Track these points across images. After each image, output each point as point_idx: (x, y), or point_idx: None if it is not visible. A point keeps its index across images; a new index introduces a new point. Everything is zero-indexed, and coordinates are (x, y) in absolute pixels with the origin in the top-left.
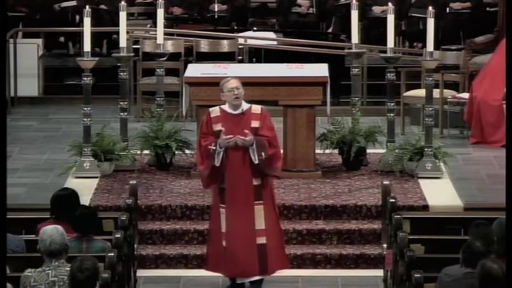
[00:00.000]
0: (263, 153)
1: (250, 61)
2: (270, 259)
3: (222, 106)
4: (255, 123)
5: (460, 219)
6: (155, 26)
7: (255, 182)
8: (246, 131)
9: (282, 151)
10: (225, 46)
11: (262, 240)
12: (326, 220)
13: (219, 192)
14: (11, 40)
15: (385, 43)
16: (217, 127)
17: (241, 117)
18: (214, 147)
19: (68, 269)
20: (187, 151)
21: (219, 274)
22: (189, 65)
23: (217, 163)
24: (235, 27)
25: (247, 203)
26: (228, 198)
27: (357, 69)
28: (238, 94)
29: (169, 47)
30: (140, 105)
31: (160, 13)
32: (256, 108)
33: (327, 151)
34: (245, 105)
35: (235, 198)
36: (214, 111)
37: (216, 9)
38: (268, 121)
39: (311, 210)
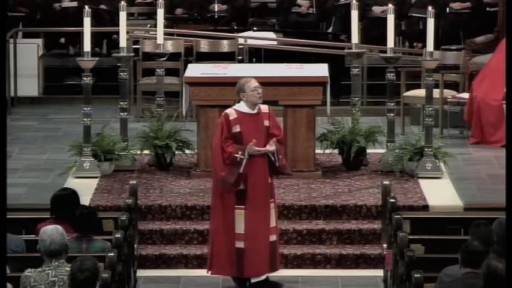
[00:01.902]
0: (280, 155)
1: (250, 61)
2: (277, 256)
3: (236, 107)
4: (266, 123)
5: (460, 219)
6: (155, 26)
7: (269, 181)
8: (274, 140)
9: None
10: (225, 46)
11: (273, 237)
12: (326, 220)
13: (234, 194)
14: (11, 40)
15: (385, 43)
16: (236, 129)
17: (257, 116)
18: (242, 156)
19: (68, 269)
20: (187, 151)
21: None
22: (189, 65)
23: (242, 170)
24: (235, 27)
25: (265, 202)
26: (249, 200)
27: (357, 69)
28: (261, 93)
29: (169, 47)
30: (140, 105)
31: (160, 13)
32: (264, 108)
33: (327, 151)
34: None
35: (257, 199)
36: (231, 114)
37: (216, 9)
38: (276, 120)
39: (311, 210)
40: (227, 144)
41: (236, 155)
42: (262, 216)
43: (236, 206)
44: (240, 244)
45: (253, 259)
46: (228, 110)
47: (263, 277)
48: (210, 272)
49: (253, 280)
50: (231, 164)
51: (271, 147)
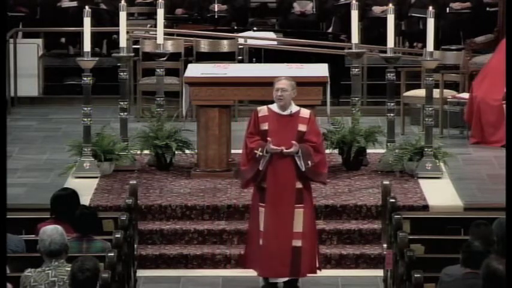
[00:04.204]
0: (309, 162)
1: (250, 61)
2: (303, 262)
3: (270, 106)
4: (302, 127)
5: (460, 219)
6: (155, 26)
7: (298, 185)
8: (293, 142)
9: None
10: (225, 46)
11: (297, 242)
12: (326, 220)
13: (258, 191)
14: (11, 40)
15: (385, 43)
16: (264, 126)
17: (289, 118)
18: (261, 153)
19: (68, 269)
20: (187, 151)
21: (243, 272)
22: (189, 65)
23: (261, 167)
24: (235, 27)
25: (288, 205)
26: (268, 199)
27: (357, 69)
28: (281, 96)
29: (169, 47)
30: (140, 105)
31: (160, 13)
32: (305, 112)
33: (327, 151)
34: (294, 108)
35: (277, 199)
36: (262, 111)
37: (216, 9)
38: (316, 126)
39: None
40: (251, 140)
41: (256, 151)
42: (281, 218)
43: (259, 204)
44: (261, 242)
45: (268, 259)
46: (260, 107)
47: (281, 279)
48: (244, 267)
49: (270, 280)
50: (252, 160)
51: (290, 148)
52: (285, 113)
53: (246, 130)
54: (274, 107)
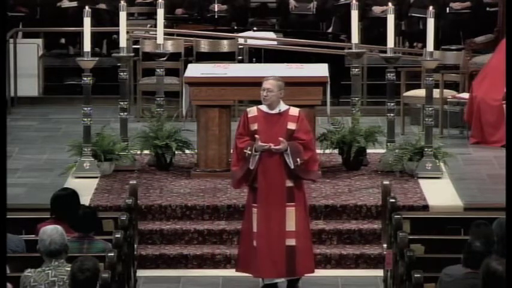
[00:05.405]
0: (298, 159)
1: (250, 61)
2: (298, 261)
3: (260, 106)
4: (291, 125)
5: (460, 219)
6: (155, 26)
7: (288, 184)
8: (281, 139)
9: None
10: (225, 46)
11: (291, 242)
12: (326, 220)
13: (252, 192)
14: (11, 40)
15: (385, 43)
16: (254, 126)
17: (278, 117)
18: (250, 152)
19: (68, 269)
20: (187, 151)
21: (243, 274)
22: (189, 65)
23: (251, 166)
24: (235, 27)
25: (279, 204)
26: (260, 199)
27: (357, 69)
28: (266, 95)
29: (169, 47)
30: (140, 105)
31: (160, 13)
32: (294, 111)
33: (327, 151)
34: (283, 106)
35: (267, 199)
36: (252, 111)
37: (216, 9)
38: (305, 124)
39: (311, 210)
40: (240, 141)
41: (245, 151)
42: (273, 218)
43: (252, 205)
44: (254, 243)
45: (262, 259)
46: (249, 108)
47: (277, 280)
48: (235, 270)
49: (266, 282)
50: (242, 160)
51: (278, 145)
52: (274, 111)
53: (235, 131)
54: (263, 106)
